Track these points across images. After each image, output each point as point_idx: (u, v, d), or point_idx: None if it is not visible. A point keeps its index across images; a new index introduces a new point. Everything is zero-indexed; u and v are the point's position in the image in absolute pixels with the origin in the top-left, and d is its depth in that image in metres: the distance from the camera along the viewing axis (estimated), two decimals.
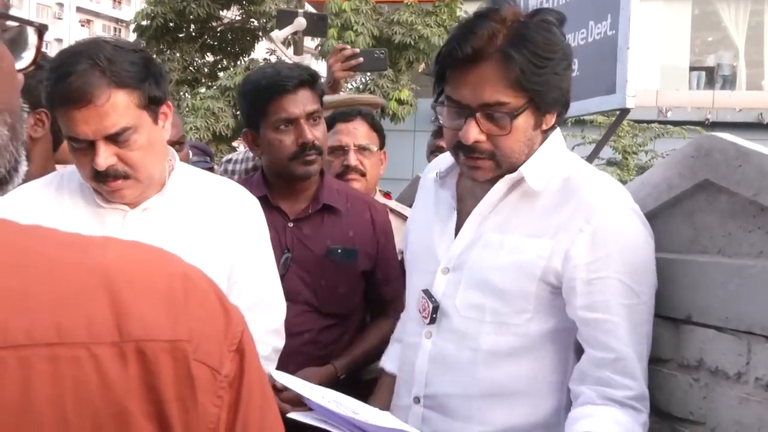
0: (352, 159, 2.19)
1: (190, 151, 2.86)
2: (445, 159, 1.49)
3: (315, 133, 1.80)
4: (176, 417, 0.54)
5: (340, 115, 2.26)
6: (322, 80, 2.05)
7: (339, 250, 1.82)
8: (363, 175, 2.21)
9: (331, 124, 2.23)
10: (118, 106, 1.32)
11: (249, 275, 1.52)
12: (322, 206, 1.86)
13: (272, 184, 1.88)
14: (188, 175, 1.54)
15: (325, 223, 1.87)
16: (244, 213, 1.55)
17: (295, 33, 2.85)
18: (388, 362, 1.65)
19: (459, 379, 1.36)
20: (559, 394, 1.34)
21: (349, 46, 2.48)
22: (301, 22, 2.79)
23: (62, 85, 1.30)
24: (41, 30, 0.62)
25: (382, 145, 2.33)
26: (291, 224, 1.85)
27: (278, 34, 2.79)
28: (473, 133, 1.28)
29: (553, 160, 1.36)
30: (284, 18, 2.86)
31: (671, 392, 1.37)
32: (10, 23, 0.60)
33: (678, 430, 1.36)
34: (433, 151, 2.89)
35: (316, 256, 1.82)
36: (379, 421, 1.13)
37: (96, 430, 0.52)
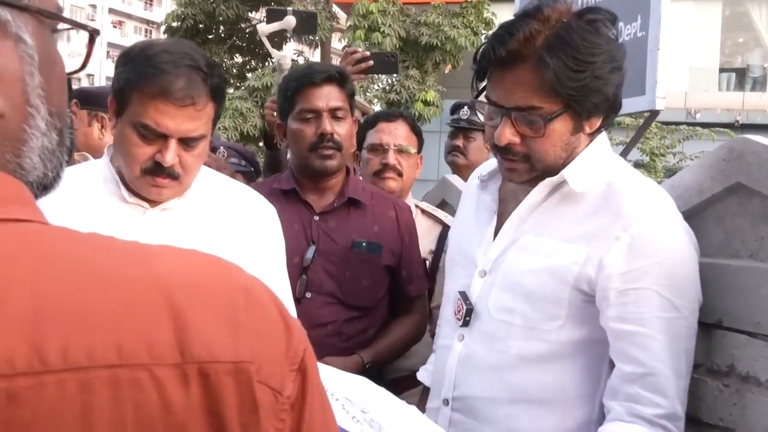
0: (391, 158, 2.23)
1: (225, 152, 2.90)
2: (489, 163, 1.49)
3: (336, 128, 1.86)
4: None
5: (383, 115, 2.34)
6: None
7: (364, 244, 1.85)
8: (400, 174, 2.25)
9: (373, 123, 2.27)
10: (206, 115, 1.39)
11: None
12: (348, 200, 1.91)
13: (300, 179, 1.93)
14: (209, 179, 1.56)
15: (350, 216, 1.91)
16: (259, 220, 1.57)
17: (284, 30, 2.89)
18: (424, 375, 1.66)
19: (486, 382, 1.35)
20: (589, 407, 1.30)
21: (360, 49, 2.52)
22: (290, 21, 2.83)
23: (163, 78, 1.32)
24: (93, 35, 0.62)
25: (419, 149, 2.36)
26: (317, 218, 1.89)
27: (264, 28, 2.84)
28: (507, 134, 1.27)
29: (597, 164, 1.32)
30: (273, 16, 2.90)
31: (701, 398, 1.36)
32: (62, 25, 0.60)
33: None
34: (450, 151, 2.89)
35: (341, 249, 1.86)
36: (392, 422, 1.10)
37: None
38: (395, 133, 2.26)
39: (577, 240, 1.27)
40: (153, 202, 1.46)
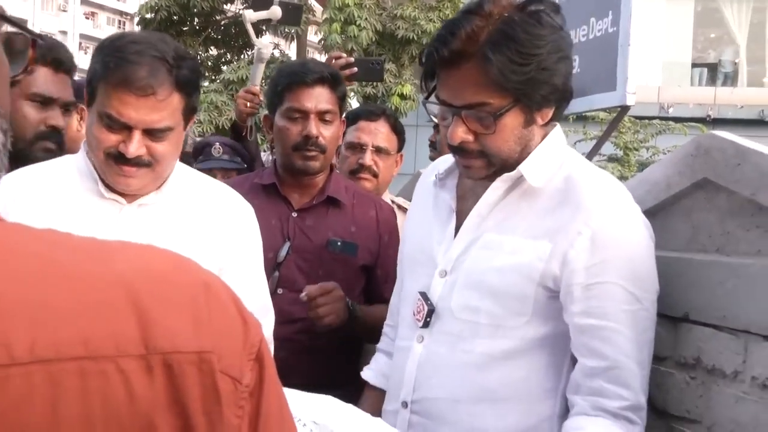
0: (368, 158, 2.23)
1: (221, 148, 2.88)
2: (445, 160, 1.47)
3: (322, 130, 1.85)
4: (203, 430, 0.53)
5: (365, 113, 2.30)
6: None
7: (339, 243, 1.84)
8: (375, 176, 2.24)
9: (354, 120, 2.26)
10: (171, 106, 1.37)
11: (237, 281, 1.51)
12: (327, 199, 1.90)
13: (282, 174, 1.92)
14: (187, 176, 1.55)
15: (328, 215, 1.90)
16: (236, 218, 1.56)
17: (269, 20, 2.90)
18: (369, 373, 1.63)
19: (448, 383, 1.33)
20: (552, 401, 1.31)
21: (344, 55, 2.51)
22: (275, 11, 2.84)
23: (127, 69, 1.32)
24: (35, 41, 0.62)
25: (400, 148, 2.35)
26: (295, 214, 1.89)
27: (251, 15, 2.85)
28: (459, 133, 1.27)
29: (554, 158, 1.33)
30: (260, 4, 2.91)
31: (668, 390, 1.38)
32: (4, 28, 0.60)
33: (674, 428, 1.37)
34: (430, 145, 2.90)
35: (315, 247, 1.85)
36: None
37: None
38: (375, 133, 2.25)
39: (541, 236, 1.27)
40: (130, 198, 1.44)
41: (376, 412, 1.48)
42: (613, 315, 1.22)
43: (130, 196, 1.45)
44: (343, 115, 1.95)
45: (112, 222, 1.43)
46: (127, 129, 1.35)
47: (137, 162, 1.37)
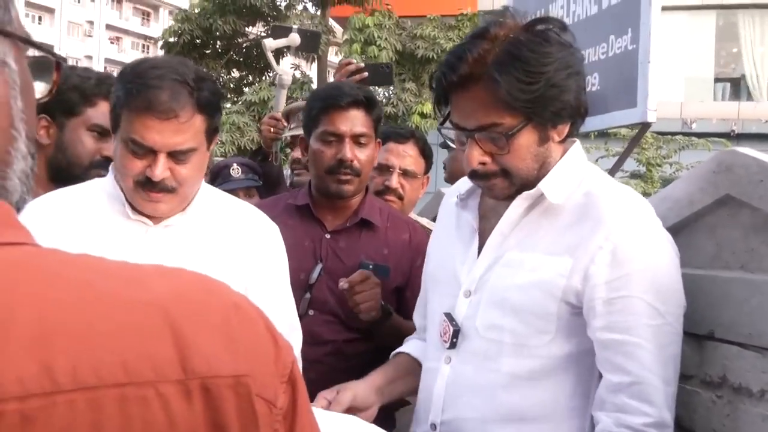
0: (394, 181, 2.24)
1: (239, 168, 2.92)
2: (466, 181, 1.48)
3: (357, 153, 1.85)
4: None
5: (394, 135, 2.31)
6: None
7: (371, 266, 1.84)
8: (401, 198, 2.25)
9: (383, 141, 2.27)
10: (194, 128, 1.39)
11: (263, 300, 1.51)
12: (361, 221, 1.90)
13: (316, 196, 1.93)
14: (212, 196, 1.57)
15: (361, 238, 1.90)
16: (261, 238, 1.57)
17: (287, 47, 2.96)
18: (407, 345, 1.62)
19: (476, 403, 1.33)
20: (580, 419, 1.29)
21: (354, 60, 2.54)
22: (294, 39, 2.89)
23: (148, 93, 1.34)
24: (59, 63, 0.64)
25: (427, 170, 2.36)
26: (328, 236, 1.89)
27: (271, 43, 2.91)
28: (475, 155, 1.28)
29: (573, 174, 1.33)
30: (279, 32, 2.97)
31: (694, 409, 1.36)
32: (30, 52, 0.62)
33: None
34: (444, 167, 2.91)
35: (348, 269, 1.85)
36: None
37: None
38: (403, 156, 2.26)
39: (562, 252, 1.27)
40: (156, 219, 1.47)
41: (399, 375, 1.53)
42: (636, 330, 1.21)
43: (156, 218, 1.47)
44: (378, 138, 1.94)
45: (138, 243, 1.45)
46: (152, 153, 1.37)
47: (163, 187, 1.39)
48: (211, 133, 1.46)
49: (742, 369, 1.26)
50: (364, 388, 1.47)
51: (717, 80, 16.92)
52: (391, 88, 13.23)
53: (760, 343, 1.23)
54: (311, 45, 3.08)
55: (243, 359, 0.55)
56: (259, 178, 2.97)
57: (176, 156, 1.39)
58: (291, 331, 1.59)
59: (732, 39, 16.80)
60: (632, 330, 1.21)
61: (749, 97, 16.44)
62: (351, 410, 1.41)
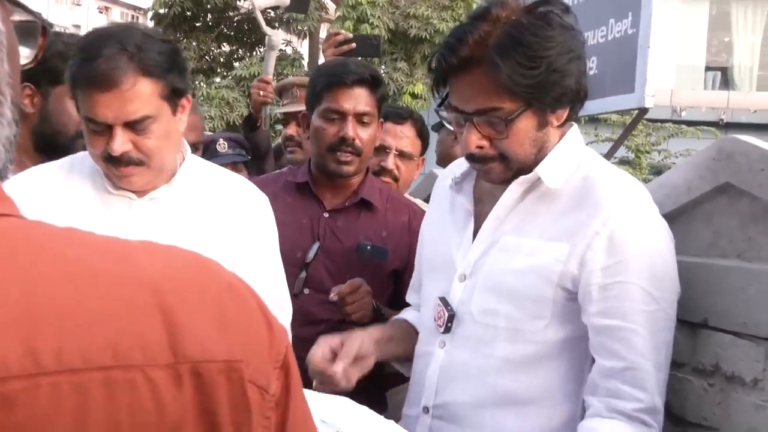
0: (390, 162, 2.21)
1: (225, 143, 2.87)
2: (460, 164, 1.46)
3: (359, 132, 1.82)
4: None
5: (392, 115, 2.27)
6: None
7: (369, 247, 1.82)
8: (396, 179, 2.22)
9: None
10: (142, 94, 1.33)
11: (252, 272, 1.48)
12: (360, 201, 1.88)
13: (315, 174, 1.90)
14: (199, 168, 1.54)
15: (360, 218, 1.88)
16: (250, 209, 1.55)
17: (276, 7, 2.91)
18: (405, 313, 1.62)
19: (470, 387, 1.33)
20: (573, 404, 1.30)
21: (343, 31, 2.51)
22: None
23: (89, 67, 1.30)
24: (45, 28, 0.61)
25: (423, 152, 2.34)
26: (326, 215, 1.87)
27: (259, 2, 2.85)
28: (473, 139, 1.26)
29: (571, 159, 1.31)
30: None
31: (686, 396, 1.36)
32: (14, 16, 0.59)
33: None
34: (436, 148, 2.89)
35: (345, 249, 1.83)
36: None
37: None
38: (400, 137, 2.23)
39: (559, 238, 1.26)
40: (140, 193, 1.44)
41: (397, 337, 1.53)
42: (631, 315, 1.21)
43: (140, 191, 1.44)
44: (381, 117, 1.91)
45: (123, 217, 1.42)
46: (109, 128, 1.33)
47: (129, 160, 1.35)
48: (173, 96, 1.39)
49: (735, 358, 1.26)
50: (366, 338, 1.45)
51: (708, 69, 16.96)
52: (383, 66, 13.15)
53: (755, 332, 1.23)
54: (301, 6, 3.03)
55: (236, 343, 0.53)
56: (246, 152, 2.92)
57: (133, 126, 1.33)
58: (280, 305, 1.56)
59: (724, 28, 16.82)
60: (627, 316, 1.21)
61: (739, 87, 16.50)
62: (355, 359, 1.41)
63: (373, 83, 1.84)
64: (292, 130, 2.79)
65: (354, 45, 2.39)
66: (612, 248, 1.21)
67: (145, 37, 1.36)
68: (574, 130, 1.36)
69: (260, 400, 0.54)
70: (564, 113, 1.29)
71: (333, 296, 1.68)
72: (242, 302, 0.56)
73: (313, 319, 1.72)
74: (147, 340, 0.49)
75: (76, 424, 0.47)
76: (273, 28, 13.27)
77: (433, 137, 2.80)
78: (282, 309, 1.58)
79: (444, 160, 2.57)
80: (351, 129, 1.80)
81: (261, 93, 2.78)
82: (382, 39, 2.53)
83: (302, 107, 2.14)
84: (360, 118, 1.82)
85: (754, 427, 1.22)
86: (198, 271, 0.56)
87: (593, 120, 10.66)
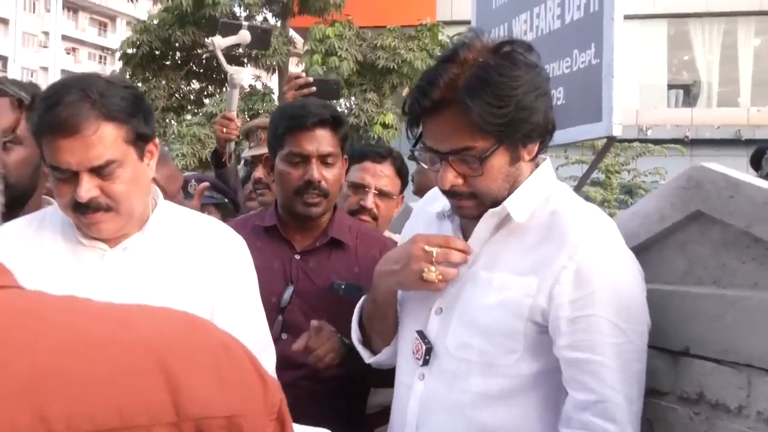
0: (369, 201, 2.20)
1: (196, 184, 2.84)
2: (440, 194, 1.48)
3: (324, 173, 1.82)
4: None
5: (372, 154, 2.27)
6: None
7: (342, 286, 1.81)
8: (375, 218, 2.21)
9: (360, 159, 2.24)
10: (105, 139, 1.32)
11: (233, 318, 1.47)
12: (330, 241, 1.87)
13: (283, 216, 1.90)
14: (172, 213, 1.52)
15: (331, 257, 1.87)
16: (228, 254, 1.53)
17: (237, 45, 2.90)
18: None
19: (449, 421, 1.33)
20: None
21: (303, 75, 2.53)
22: (244, 36, 2.82)
23: (51, 114, 1.30)
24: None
25: (402, 190, 2.33)
26: (297, 257, 1.86)
27: (219, 42, 2.82)
28: (449, 177, 1.29)
29: (539, 192, 1.35)
30: (228, 29, 2.87)
31: (672, 426, 1.37)
32: None
33: None
34: (411, 179, 2.90)
35: (319, 290, 1.82)
36: None
37: None
38: (379, 176, 2.23)
39: (528, 272, 1.29)
40: (111, 242, 1.42)
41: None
42: (599, 348, 1.23)
43: (112, 241, 1.42)
44: (345, 155, 1.91)
45: (95, 268, 1.40)
46: (75, 175, 1.32)
47: (96, 207, 1.34)
48: (139, 140, 1.38)
49: (718, 385, 1.27)
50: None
51: (670, 87, 17.36)
52: (353, 98, 13.25)
53: (736, 359, 1.24)
54: (262, 42, 3.01)
55: (234, 399, 0.55)
56: (223, 195, 2.90)
57: (99, 172, 1.32)
58: (264, 350, 1.55)
59: (683, 47, 17.27)
60: (596, 349, 1.23)
61: (701, 104, 16.90)
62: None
63: (335, 123, 1.84)
64: (260, 172, 2.77)
65: (314, 89, 2.41)
66: (579, 281, 1.24)
67: (108, 83, 1.35)
68: (546, 164, 1.40)
69: None
70: (535, 147, 1.33)
71: (296, 347, 1.66)
72: (236, 359, 0.58)
73: (294, 363, 1.70)
74: (150, 401, 0.52)
75: None
76: (241, 64, 13.34)
77: (410, 167, 2.82)
78: (266, 354, 1.56)
79: (422, 191, 2.58)
80: (316, 171, 1.80)
81: (224, 129, 2.78)
82: (340, 83, 2.55)
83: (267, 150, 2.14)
84: (324, 159, 1.82)
85: None
86: (193, 332, 0.59)
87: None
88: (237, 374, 0.57)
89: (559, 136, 2.46)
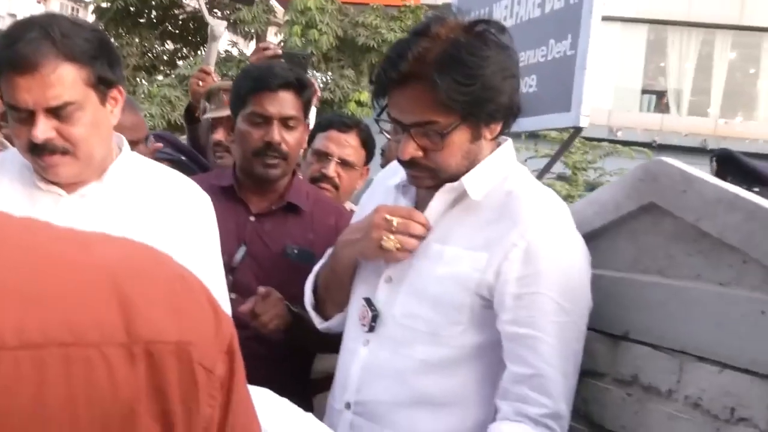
0: (331, 170, 2.20)
1: (153, 140, 2.78)
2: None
3: (285, 136, 1.81)
4: (180, 418, 0.54)
5: (338, 123, 2.27)
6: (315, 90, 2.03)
7: (295, 251, 1.82)
8: (336, 187, 2.21)
9: (326, 127, 2.24)
10: (64, 80, 1.29)
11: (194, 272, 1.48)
12: (287, 205, 1.87)
13: (241, 177, 1.89)
14: (136, 163, 1.49)
15: (287, 222, 1.87)
16: (191, 210, 1.51)
17: (227, 17, 2.89)
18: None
19: (389, 386, 1.37)
20: (487, 407, 1.34)
21: (273, 45, 2.51)
22: None
23: (10, 50, 1.27)
24: None
25: (368, 161, 2.33)
26: (253, 219, 1.86)
27: None
28: (409, 149, 1.31)
29: (497, 172, 1.38)
30: None
31: (605, 405, 1.42)
32: None
33: None
34: (381, 153, 2.92)
35: (272, 254, 1.82)
36: None
37: (105, 431, 0.51)
38: (343, 145, 2.22)
39: (479, 248, 1.32)
40: (69, 188, 1.39)
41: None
42: (541, 325, 1.27)
43: (69, 187, 1.39)
44: (307, 120, 1.92)
45: (48, 214, 1.37)
46: (31, 114, 1.29)
47: (53, 149, 1.32)
48: (101, 84, 1.35)
49: (652, 369, 1.32)
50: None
51: (644, 92, 17.60)
52: (329, 73, 13.15)
53: (672, 346, 1.29)
54: None
55: (186, 327, 0.56)
56: (180, 152, 2.84)
57: (56, 114, 1.30)
58: (222, 304, 1.55)
59: (660, 53, 17.48)
60: (537, 325, 1.27)
61: (672, 111, 17.18)
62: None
63: (299, 87, 1.84)
64: (220, 135, 2.74)
65: (282, 61, 2.40)
66: (527, 260, 1.28)
67: (73, 24, 1.32)
68: (508, 144, 1.42)
69: (207, 380, 0.56)
70: (497, 127, 1.35)
71: (242, 308, 1.67)
72: (192, 292, 0.59)
73: (240, 323, 1.69)
74: (103, 320, 0.52)
75: (35, 398, 0.49)
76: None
77: (381, 140, 2.83)
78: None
79: None
80: (277, 133, 1.80)
81: (200, 83, 2.75)
82: (310, 57, 2.55)
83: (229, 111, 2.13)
84: (285, 122, 1.82)
85: None
86: (152, 261, 0.60)
87: (533, 136, 10.91)
88: (191, 305, 0.58)
89: (529, 123, 2.51)
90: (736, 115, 17.13)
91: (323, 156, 2.22)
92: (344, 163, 2.23)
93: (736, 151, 2.33)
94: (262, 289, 1.70)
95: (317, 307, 1.62)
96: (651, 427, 1.31)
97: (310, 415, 1.18)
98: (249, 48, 15.85)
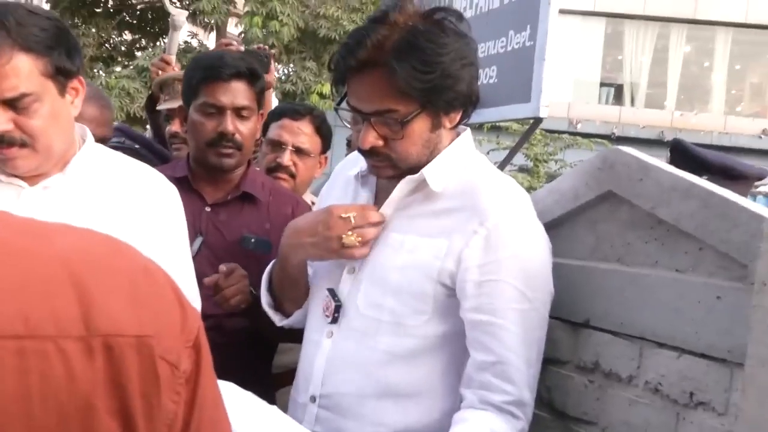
0: (286, 158, 2.18)
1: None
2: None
3: (239, 126, 1.80)
4: (140, 413, 0.53)
5: (290, 111, 2.24)
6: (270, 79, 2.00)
7: (252, 240, 1.81)
8: (293, 176, 2.19)
9: (278, 117, 2.21)
10: (20, 71, 1.25)
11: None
12: (242, 195, 1.86)
13: (195, 168, 1.87)
14: (100, 155, 1.46)
15: (243, 212, 1.86)
16: (156, 200, 1.48)
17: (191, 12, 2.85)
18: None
19: (354, 378, 1.36)
20: (453, 396, 1.35)
21: (235, 42, 2.48)
22: None
23: None
24: None
25: (325, 150, 2.30)
26: (208, 209, 1.84)
27: None
28: (369, 138, 1.31)
29: (457, 162, 1.37)
30: None
31: (568, 392, 1.43)
32: None
33: (572, 429, 1.42)
34: (347, 144, 2.90)
35: (228, 243, 1.81)
36: None
37: (60, 425, 0.50)
38: (297, 133, 2.20)
39: (438, 235, 1.32)
40: (31, 180, 1.36)
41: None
42: (503, 312, 1.27)
43: (31, 179, 1.36)
44: (261, 110, 1.90)
45: (10, 206, 1.33)
46: None
47: (11, 141, 1.28)
48: (59, 75, 1.31)
49: (613, 356, 1.34)
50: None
51: (602, 84, 17.89)
52: (291, 65, 13.05)
53: (631, 332, 1.30)
54: None
55: (147, 321, 0.55)
56: (134, 141, 2.77)
57: (13, 105, 1.26)
58: (192, 296, 1.53)
59: (618, 47, 17.78)
60: (499, 312, 1.27)
61: (629, 103, 17.49)
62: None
63: (251, 76, 1.82)
64: (176, 126, 2.70)
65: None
66: (488, 247, 1.28)
67: (29, 13, 1.28)
68: (467, 134, 1.42)
69: (170, 375, 0.56)
70: (457, 116, 1.35)
71: (207, 281, 1.66)
72: (156, 284, 0.58)
73: (200, 314, 1.68)
74: (59, 313, 0.51)
75: None
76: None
77: (346, 132, 2.81)
78: (194, 304, 1.54)
79: None
80: (230, 123, 1.78)
81: (160, 72, 2.70)
82: (271, 57, 2.53)
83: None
84: (239, 112, 1.80)
85: (629, 421, 1.30)
86: (113, 252, 0.58)
87: (495, 128, 11.01)
88: (154, 298, 0.57)
89: (490, 114, 2.52)
90: (691, 107, 17.52)
91: (277, 145, 2.20)
92: (299, 151, 2.21)
93: (687, 141, 2.39)
94: (223, 267, 1.68)
95: (275, 306, 1.60)
96: (612, 413, 1.33)
97: (275, 407, 1.17)
98: (209, 39, 15.62)
